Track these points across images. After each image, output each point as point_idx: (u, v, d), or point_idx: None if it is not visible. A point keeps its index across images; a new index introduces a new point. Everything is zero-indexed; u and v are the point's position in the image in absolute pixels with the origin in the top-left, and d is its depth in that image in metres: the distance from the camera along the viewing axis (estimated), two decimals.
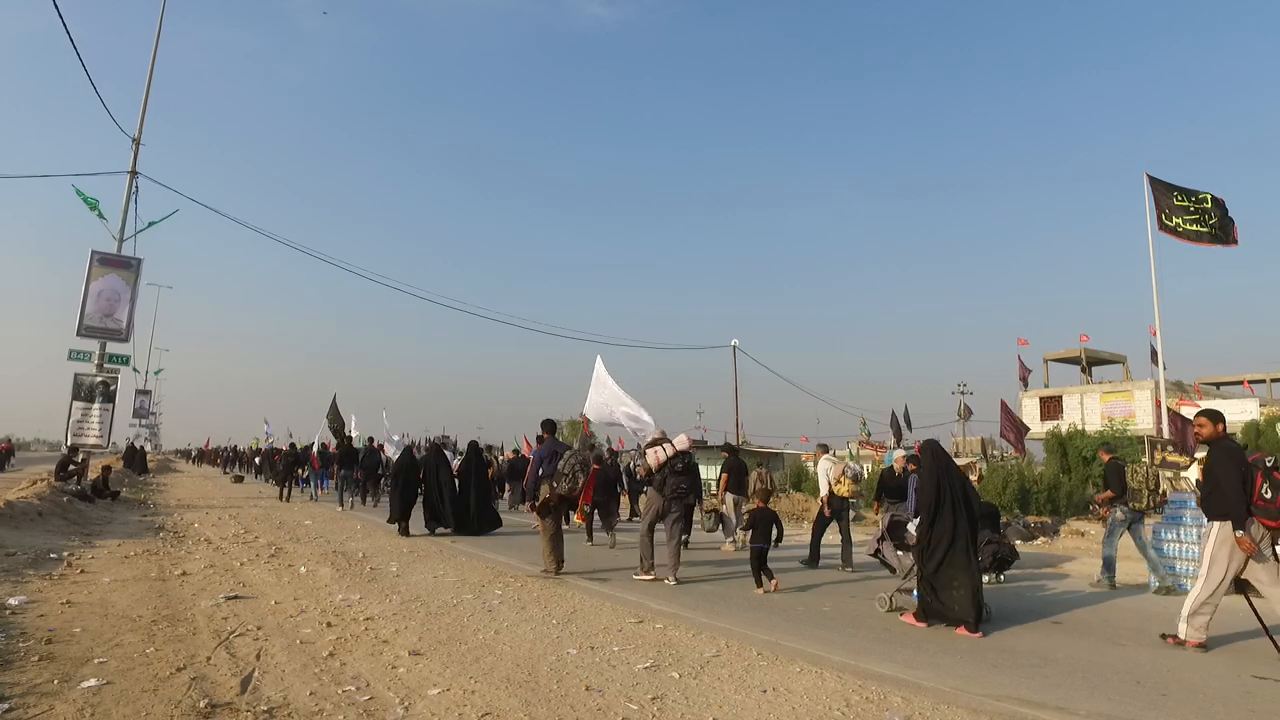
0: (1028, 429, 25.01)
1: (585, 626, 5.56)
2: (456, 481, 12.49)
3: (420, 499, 12.49)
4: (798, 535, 11.79)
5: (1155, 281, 13.08)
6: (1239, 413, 30.92)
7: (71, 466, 15.52)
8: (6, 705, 3.49)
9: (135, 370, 36.10)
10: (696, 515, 12.03)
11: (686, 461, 7.85)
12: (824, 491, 9.48)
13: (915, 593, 6.10)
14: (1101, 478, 8.77)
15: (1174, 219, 12.73)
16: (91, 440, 15.88)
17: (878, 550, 7.22)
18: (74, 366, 15.97)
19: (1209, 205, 12.57)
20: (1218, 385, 41.32)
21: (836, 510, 9.40)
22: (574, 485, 7.85)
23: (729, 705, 3.82)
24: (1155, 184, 12.89)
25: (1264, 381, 40.24)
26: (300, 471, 21.10)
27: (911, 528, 6.45)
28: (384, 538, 11.13)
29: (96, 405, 15.90)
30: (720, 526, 12.22)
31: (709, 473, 19.82)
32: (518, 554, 9.45)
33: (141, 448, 35.55)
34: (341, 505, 16.90)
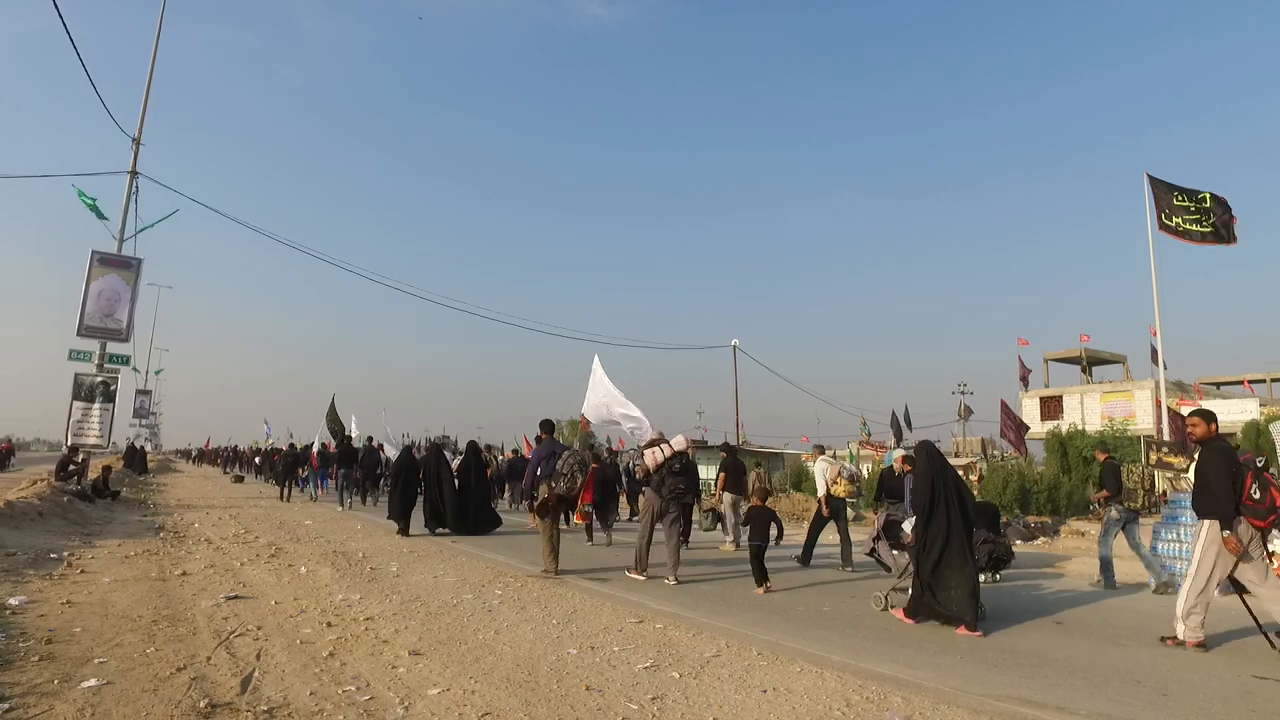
0: (1027, 428, 25.02)
1: (585, 626, 5.56)
2: (456, 481, 12.50)
3: (420, 499, 12.50)
4: (798, 535, 11.79)
5: (1155, 281, 13.08)
6: (1239, 413, 30.92)
7: (72, 466, 15.53)
8: (7, 705, 3.49)
9: (135, 370, 36.16)
10: (695, 514, 12.08)
11: (684, 462, 7.89)
12: (821, 492, 9.52)
13: (909, 591, 6.14)
14: (1098, 477, 8.84)
15: (1174, 219, 12.73)
16: (92, 440, 15.89)
17: (873, 549, 7.29)
18: (74, 366, 15.99)
19: (1209, 204, 12.57)
20: (1218, 385, 41.32)
21: (834, 510, 9.43)
22: (572, 485, 7.88)
23: (729, 705, 3.82)
24: (1155, 184, 12.89)
25: (1264, 381, 40.24)
26: (300, 471, 21.12)
27: (907, 527, 6.49)
28: (384, 538, 11.14)
29: (97, 405, 15.91)
30: (719, 525, 12.25)
31: (708, 473, 19.82)
32: (518, 554, 9.46)
33: (142, 448, 35.57)
34: (341, 505, 16.91)
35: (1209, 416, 5.43)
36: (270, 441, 34.62)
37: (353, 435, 21.56)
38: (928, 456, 6.18)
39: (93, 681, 3.90)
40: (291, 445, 25.33)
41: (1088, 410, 37.88)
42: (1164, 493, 8.71)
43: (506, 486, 17.54)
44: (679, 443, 7.92)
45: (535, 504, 8.05)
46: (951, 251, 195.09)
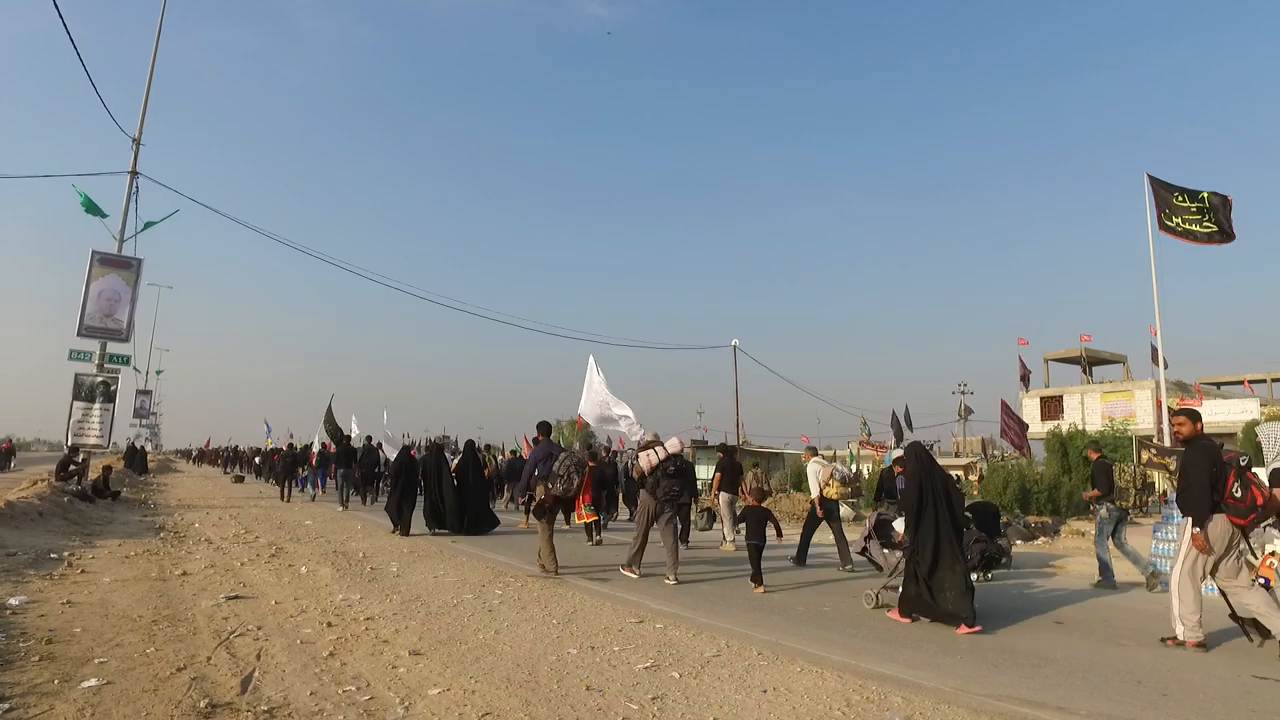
0: (1026, 426, 25.01)
1: (586, 626, 5.56)
2: (455, 481, 12.51)
3: (420, 499, 12.51)
4: (797, 535, 11.79)
5: (1156, 281, 13.07)
6: (1239, 413, 30.95)
7: (72, 466, 15.52)
8: (7, 705, 3.49)
9: (136, 370, 36.17)
10: (693, 514, 12.12)
11: (679, 464, 8.01)
12: (815, 494, 9.59)
13: (900, 590, 6.20)
14: (1090, 476, 8.91)
15: (1174, 219, 12.71)
16: (92, 440, 15.89)
17: (865, 549, 7.36)
18: (74, 366, 16.00)
19: (1209, 205, 12.55)
20: (1218, 385, 41.33)
21: (828, 512, 9.48)
22: (569, 487, 7.96)
23: (729, 705, 3.82)
24: (1155, 184, 12.87)
25: (1264, 381, 40.24)
26: (300, 471, 21.13)
27: (898, 526, 6.57)
28: (384, 538, 11.14)
29: (97, 405, 15.91)
30: (717, 524, 12.28)
31: (708, 473, 19.82)
32: (518, 554, 9.45)
33: (142, 448, 35.56)
34: (342, 505, 16.91)
35: (1195, 416, 5.53)
36: (269, 442, 34.59)
37: (353, 435, 21.57)
38: (917, 458, 6.28)
39: (93, 681, 3.90)
40: (291, 445, 25.33)
41: (1088, 410, 37.89)
42: (1164, 493, 8.72)
43: (505, 486, 17.55)
44: (674, 445, 8.03)
45: (533, 505, 8.12)
46: (951, 251, 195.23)
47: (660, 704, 3.81)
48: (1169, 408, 17.18)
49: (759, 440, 37.19)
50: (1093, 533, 10.69)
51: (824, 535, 9.65)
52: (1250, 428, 25.01)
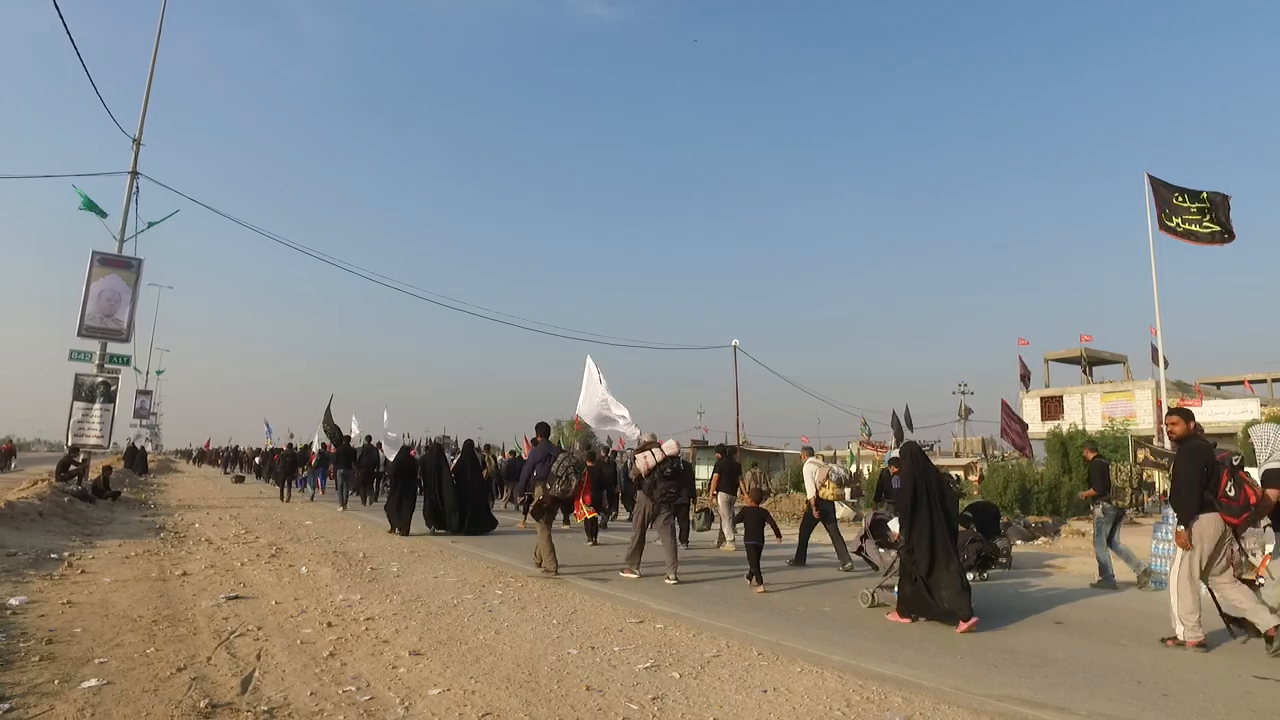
0: (1026, 426, 25.01)
1: (586, 626, 5.56)
2: (454, 480, 12.52)
3: (420, 499, 12.51)
4: (795, 535, 11.81)
5: (1156, 281, 13.08)
6: (1240, 413, 30.94)
7: (72, 467, 15.53)
8: (7, 705, 3.49)
9: (136, 370, 36.20)
10: (691, 514, 12.16)
11: (675, 466, 8.10)
12: (810, 494, 9.63)
13: (896, 589, 6.23)
14: (1086, 476, 8.94)
15: (1175, 219, 12.72)
16: (92, 440, 15.89)
17: (860, 548, 7.41)
18: (75, 367, 16.00)
19: (1209, 205, 12.56)
20: (1219, 385, 41.32)
21: (823, 512, 9.50)
22: (567, 488, 8.03)
23: (730, 705, 3.82)
24: (1155, 184, 12.88)
25: (1265, 381, 40.23)
26: (300, 471, 21.13)
27: (893, 526, 6.60)
28: (384, 538, 11.14)
29: (97, 405, 15.91)
30: (715, 524, 12.31)
31: (708, 473, 19.82)
32: (518, 554, 9.45)
33: (142, 448, 35.58)
34: (342, 505, 16.91)
35: (1187, 415, 5.58)
36: (269, 443, 34.59)
37: (353, 435, 21.57)
38: (911, 458, 6.33)
39: (93, 681, 3.90)
40: (290, 445, 25.33)
41: (1088, 410, 37.89)
42: (1164, 493, 8.73)
43: (504, 486, 17.57)
44: (670, 447, 8.10)
45: (531, 506, 8.19)
46: (951, 251, 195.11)
47: (660, 704, 3.81)
48: (1168, 408, 17.20)
49: (759, 440, 37.24)
50: (1092, 533, 10.68)
51: (823, 535, 9.65)
52: (1250, 428, 25.01)
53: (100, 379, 15.98)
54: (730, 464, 11.60)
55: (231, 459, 41.97)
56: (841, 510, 17.20)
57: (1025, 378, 40.73)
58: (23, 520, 10.54)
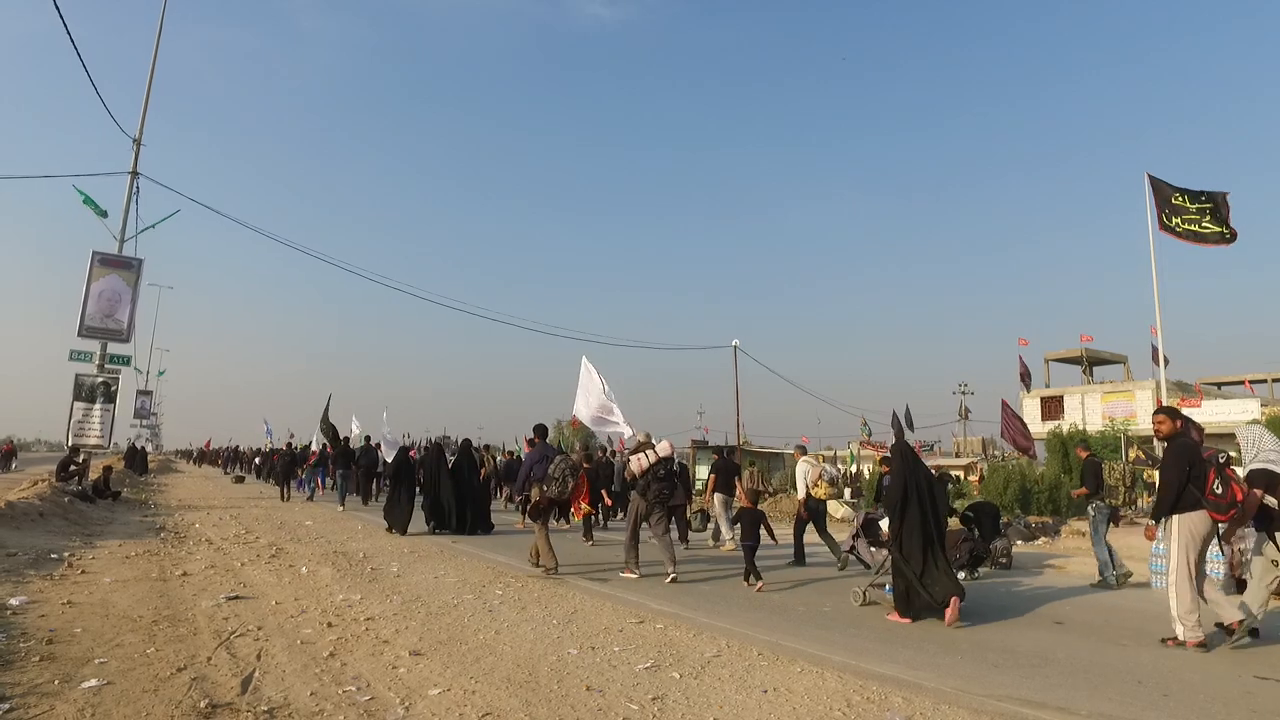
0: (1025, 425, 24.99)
1: (586, 627, 5.56)
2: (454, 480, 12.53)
3: (419, 499, 12.51)
4: (787, 535, 11.81)
5: (1156, 281, 13.07)
6: (1240, 413, 30.87)
7: (73, 467, 15.52)
8: (7, 705, 3.49)
9: (136, 371, 36.20)
10: (689, 514, 12.19)
11: (668, 467, 8.17)
12: (801, 494, 9.64)
13: (888, 588, 6.32)
14: (1079, 475, 8.98)
15: (1174, 219, 12.71)
16: (92, 441, 15.89)
17: (853, 547, 7.47)
18: (75, 367, 16.00)
19: (1209, 205, 12.55)
20: (1219, 385, 41.31)
21: (815, 512, 9.50)
22: (564, 490, 8.09)
23: (730, 705, 3.81)
24: (1156, 184, 12.87)
25: (1265, 381, 40.20)
26: (299, 471, 21.13)
27: (885, 525, 6.64)
28: (384, 538, 11.14)
29: (98, 406, 15.91)
30: (710, 524, 12.34)
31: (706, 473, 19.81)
32: (518, 554, 9.45)
33: (142, 448, 35.55)
34: (341, 505, 16.91)
35: (1174, 414, 5.68)
36: (269, 443, 34.57)
37: (353, 434, 21.57)
38: (902, 457, 6.42)
39: (93, 682, 3.90)
40: (290, 445, 25.32)
41: (1089, 410, 37.86)
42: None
43: (502, 486, 17.58)
44: (663, 448, 8.15)
45: (528, 507, 8.24)
46: (951, 251, 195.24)
47: (660, 704, 3.81)
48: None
49: (759, 440, 37.20)
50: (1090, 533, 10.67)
51: (812, 536, 9.67)
52: (1237, 429, 24.98)
53: (100, 379, 15.97)
54: (727, 465, 11.61)
55: (232, 459, 41.95)
56: (842, 511, 17.21)
57: (1025, 378, 40.67)
58: (23, 520, 10.54)
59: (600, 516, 13.17)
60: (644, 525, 8.17)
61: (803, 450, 10.97)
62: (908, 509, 6.08)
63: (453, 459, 13.26)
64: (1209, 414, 29.40)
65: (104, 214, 16.08)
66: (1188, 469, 5.23)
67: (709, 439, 32.82)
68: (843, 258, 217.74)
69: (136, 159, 16.47)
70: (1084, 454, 9.20)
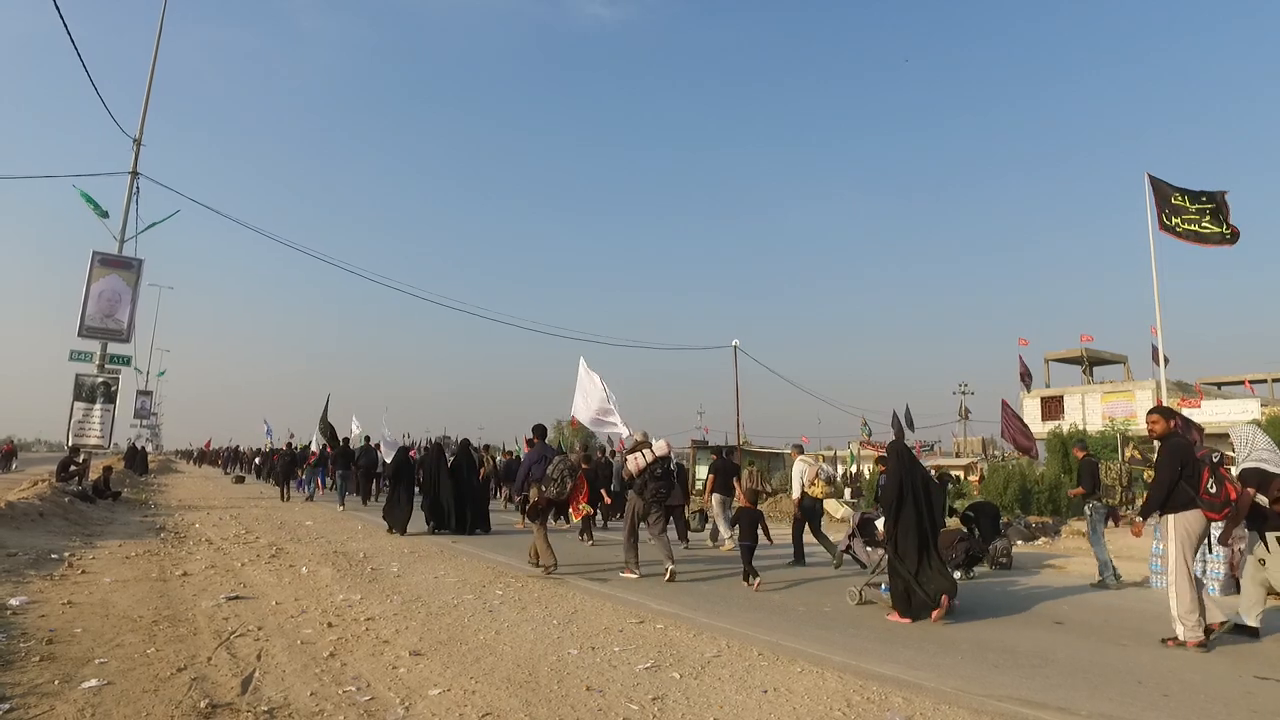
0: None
1: (586, 627, 5.56)
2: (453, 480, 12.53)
3: (419, 499, 12.51)
4: (785, 536, 11.81)
5: (1156, 281, 13.06)
6: (1240, 413, 30.87)
7: (73, 467, 15.53)
8: (7, 705, 3.49)
9: (137, 371, 36.19)
10: (687, 514, 12.21)
11: (665, 467, 8.21)
12: (795, 494, 9.65)
13: (884, 587, 6.35)
14: (1075, 475, 9.00)
15: (1174, 219, 12.70)
16: (93, 441, 15.88)
17: (849, 547, 7.49)
18: (75, 367, 15.99)
19: (1209, 205, 12.53)
20: (1219, 385, 41.31)
21: (810, 510, 9.52)
22: (562, 490, 8.11)
23: (730, 705, 3.81)
24: (1156, 184, 12.86)
25: (1265, 381, 40.20)
26: (299, 471, 21.13)
27: (880, 525, 6.67)
28: (384, 538, 11.14)
29: (98, 406, 15.91)
30: (709, 525, 12.36)
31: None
32: (518, 554, 9.44)
33: (143, 448, 35.56)
34: (341, 505, 16.91)
35: (1168, 414, 5.73)
36: (269, 444, 34.56)
37: (353, 434, 21.57)
38: (898, 456, 6.45)
39: (93, 682, 3.90)
40: (290, 445, 25.33)
41: (1089, 410, 37.85)
42: None
43: (501, 486, 17.59)
44: (660, 448, 8.18)
45: (527, 507, 8.26)
46: (951, 251, 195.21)
47: (661, 704, 3.81)
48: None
49: (759, 440, 37.21)
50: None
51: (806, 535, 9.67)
52: (1231, 428, 24.98)
53: (101, 379, 15.97)
54: (725, 465, 11.63)
55: (232, 459, 41.95)
56: (842, 511, 17.21)
57: (1025, 378, 40.66)
58: (23, 520, 10.54)
59: (601, 516, 13.16)
60: (642, 525, 8.19)
61: (800, 449, 10.99)
62: (903, 508, 6.12)
63: (452, 459, 13.28)
64: (1209, 414, 29.39)
65: (105, 214, 16.08)
66: (1180, 469, 5.27)
67: (709, 439, 32.83)
68: (843, 258, 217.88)
69: (136, 159, 16.48)
70: (1081, 454, 9.22)
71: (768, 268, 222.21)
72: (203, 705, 3.59)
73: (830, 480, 9.83)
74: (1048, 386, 42.57)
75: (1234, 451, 5.85)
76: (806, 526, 9.56)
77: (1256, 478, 5.46)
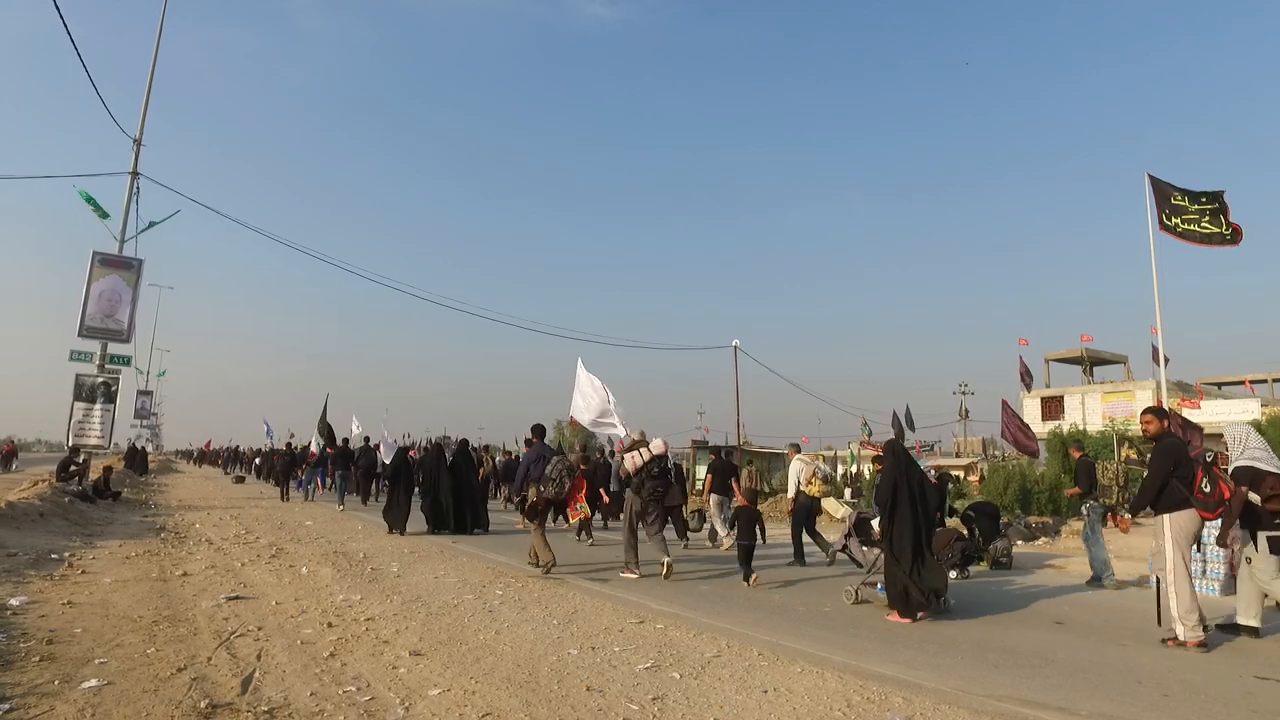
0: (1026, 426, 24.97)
1: (586, 627, 5.56)
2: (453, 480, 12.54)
3: (418, 499, 12.52)
4: (782, 536, 11.81)
5: (1156, 281, 13.04)
6: (1240, 413, 30.86)
7: (73, 467, 15.53)
8: (7, 705, 3.49)
9: (137, 371, 36.20)
10: (685, 514, 12.23)
11: (662, 466, 8.27)
12: (791, 493, 9.66)
13: (880, 586, 6.38)
14: (1072, 474, 9.02)
15: (1174, 219, 12.69)
16: (93, 441, 15.88)
17: (845, 546, 7.51)
18: (75, 367, 15.98)
19: (1210, 205, 12.53)
20: (1219, 385, 41.30)
21: (806, 509, 9.53)
22: (560, 490, 8.14)
23: (730, 706, 3.81)
24: (1156, 184, 12.85)
25: (1265, 381, 40.20)
26: (298, 471, 21.14)
27: (876, 525, 6.72)
28: (384, 538, 11.15)
29: (98, 406, 15.90)
30: (706, 523, 12.39)
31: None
32: (518, 554, 9.45)
33: (143, 448, 35.56)
34: (341, 505, 16.92)
35: (1161, 414, 5.79)
36: (269, 444, 34.56)
37: (353, 434, 21.57)
38: (894, 455, 6.49)
39: (93, 682, 3.90)
40: (289, 445, 25.34)
41: (1089, 410, 37.83)
42: None
43: (500, 486, 17.60)
44: (657, 447, 8.22)
45: (525, 507, 8.28)
46: (951, 251, 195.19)
47: (661, 704, 3.81)
48: (1170, 409, 17.18)
49: (759, 440, 37.16)
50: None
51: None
52: (1253, 427, 24.98)
53: (101, 379, 15.97)
54: (723, 465, 11.65)
55: (232, 459, 41.97)
56: (841, 510, 17.20)
57: (1025, 378, 40.64)
58: (23, 520, 10.54)
59: (602, 517, 13.17)
60: (640, 524, 8.20)
61: (797, 449, 11.00)
62: (898, 507, 6.15)
63: (451, 459, 13.29)
64: (1209, 414, 29.37)
65: (106, 215, 16.08)
66: (1171, 468, 5.31)
67: (709, 439, 32.81)
68: (843, 258, 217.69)
69: (136, 159, 16.47)
70: (1077, 454, 9.25)
71: (768, 268, 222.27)
72: (203, 705, 3.59)
73: (828, 479, 9.85)
74: (1048, 386, 42.54)
75: (1228, 450, 5.87)
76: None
77: (1249, 476, 5.49)
